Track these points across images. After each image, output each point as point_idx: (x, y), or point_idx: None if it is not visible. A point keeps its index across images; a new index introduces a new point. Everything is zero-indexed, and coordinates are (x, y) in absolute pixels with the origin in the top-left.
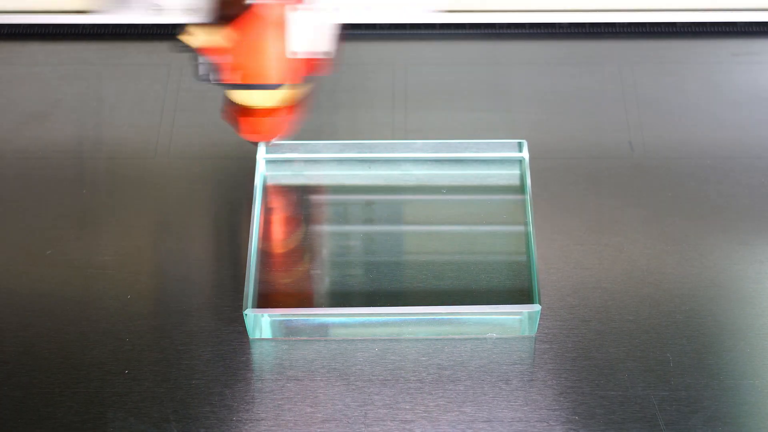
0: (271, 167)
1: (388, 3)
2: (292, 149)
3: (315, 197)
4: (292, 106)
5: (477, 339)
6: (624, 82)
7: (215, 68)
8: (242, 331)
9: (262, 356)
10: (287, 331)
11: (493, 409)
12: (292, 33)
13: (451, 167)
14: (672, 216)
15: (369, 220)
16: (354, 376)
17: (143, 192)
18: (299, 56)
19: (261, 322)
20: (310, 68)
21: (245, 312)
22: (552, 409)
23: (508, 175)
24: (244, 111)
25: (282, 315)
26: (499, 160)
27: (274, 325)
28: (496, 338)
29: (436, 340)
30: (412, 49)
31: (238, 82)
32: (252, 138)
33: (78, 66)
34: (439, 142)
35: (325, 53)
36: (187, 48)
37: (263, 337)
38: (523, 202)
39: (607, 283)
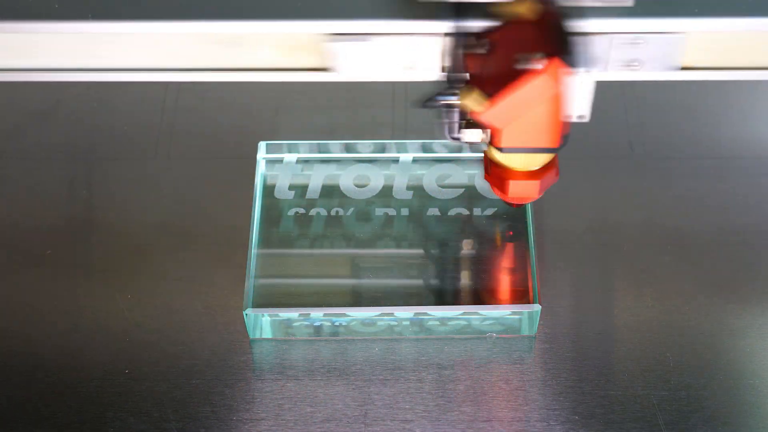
0: (271, 167)
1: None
2: (292, 149)
3: (315, 197)
4: (552, 167)
5: (477, 339)
6: (624, 82)
7: (478, 129)
8: (242, 331)
9: (262, 356)
10: (287, 331)
11: (493, 409)
12: (576, 96)
13: (451, 167)
14: (672, 216)
15: (369, 220)
16: (354, 376)
17: (143, 192)
18: (583, 119)
19: (261, 322)
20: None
21: (245, 312)
22: (552, 409)
23: None
24: (512, 174)
25: (282, 315)
26: None
27: (274, 325)
28: (496, 338)
29: (436, 340)
30: None
31: (514, 145)
32: (517, 201)
33: None
34: (440, 142)
35: (583, 116)
36: (447, 106)
37: (263, 337)
38: None
39: (607, 283)
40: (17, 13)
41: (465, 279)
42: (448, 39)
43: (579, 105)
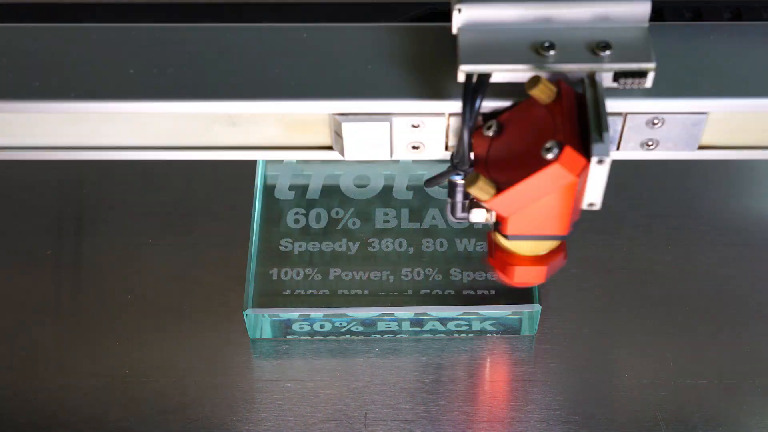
0: (271, 167)
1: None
2: None
3: (315, 198)
4: (561, 251)
5: (477, 339)
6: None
7: (486, 215)
8: (242, 331)
9: (262, 356)
10: (287, 331)
11: (493, 409)
12: (590, 185)
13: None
14: (672, 216)
15: (369, 220)
16: (354, 376)
17: (143, 192)
18: (593, 207)
19: (261, 322)
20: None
21: (245, 312)
22: (552, 409)
23: None
24: (517, 259)
25: (282, 315)
26: None
27: (274, 325)
28: (496, 338)
29: (436, 340)
30: None
31: (520, 233)
32: (522, 285)
33: None
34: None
35: (593, 204)
36: (451, 187)
37: (263, 337)
38: None
39: (607, 283)
40: None
41: (465, 279)
42: (454, 119)
43: (592, 193)
